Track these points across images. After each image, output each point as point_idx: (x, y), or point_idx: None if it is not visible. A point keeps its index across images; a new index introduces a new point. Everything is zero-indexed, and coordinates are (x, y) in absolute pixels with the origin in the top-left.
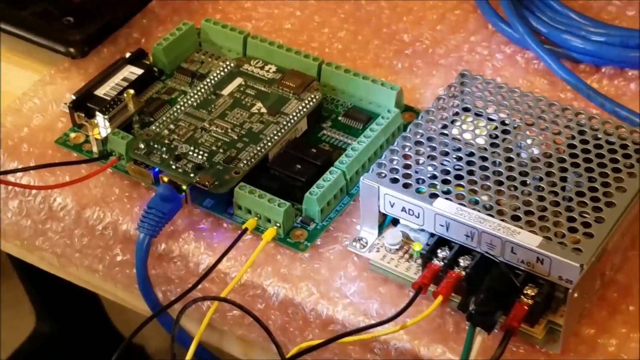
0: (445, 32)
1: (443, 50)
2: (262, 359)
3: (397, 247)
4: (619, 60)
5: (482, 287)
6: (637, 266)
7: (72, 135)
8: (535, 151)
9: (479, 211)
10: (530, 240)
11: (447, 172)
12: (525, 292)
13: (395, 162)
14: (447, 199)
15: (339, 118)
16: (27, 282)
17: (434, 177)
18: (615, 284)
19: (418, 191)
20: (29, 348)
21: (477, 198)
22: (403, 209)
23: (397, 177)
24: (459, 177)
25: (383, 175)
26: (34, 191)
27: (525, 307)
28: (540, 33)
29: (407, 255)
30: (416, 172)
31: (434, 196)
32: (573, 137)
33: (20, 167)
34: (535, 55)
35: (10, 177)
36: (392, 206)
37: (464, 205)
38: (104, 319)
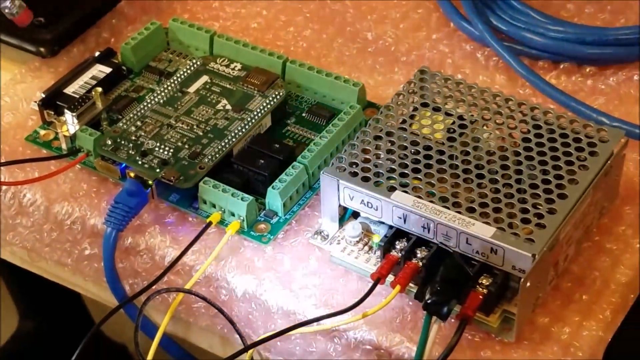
0: (407, 30)
1: (405, 48)
2: (228, 350)
3: (357, 239)
4: (577, 57)
5: (437, 277)
6: (591, 257)
7: (42, 132)
8: (492, 145)
9: (435, 203)
10: (484, 231)
11: (405, 166)
12: (480, 281)
13: (354, 157)
14: (404, 191)
15: (303, 114)
16: (10, 280)
17: (392, 170)
18: (569, 274)
19: (376, 184)
20: (13, 347)
21: (433, 191)
22: (362, 202)
23: (356, 170)
24: (416, 171)
25: (343, 169)
26: (4, 187)
27: (480, 297)
28: (500, 31)
29: (367, 248)
30: (375, 166)
31: (391, 189)
32: (528, 132)
33: None
34: (495, 52)
35: None
36: (351, 199)
37: (421, 198)
38: (86, 316)
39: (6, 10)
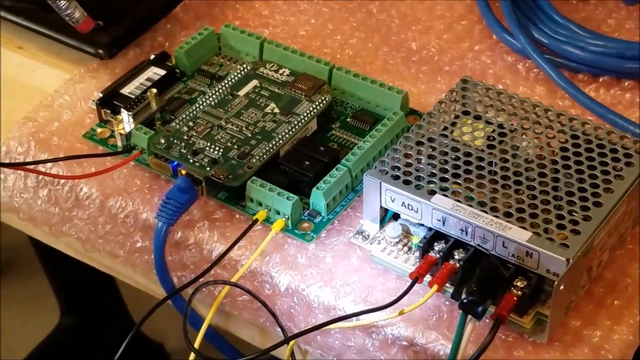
0: (451, 41)
1: (448, 58)
2: (269, 343)
3: (397, 240)
4: (616, 71)
5: (474, 278)
6: (624, 264)
7: (99, 130)
8: (530, 153)
9: (473, 207)
10: (520, 235)
11: (446, 171)
12: (515, 284)
13: (397, 161)
14: (444, 195)
15: (348, 119)
16: (53, 276)
17: (432, 175)
18: (602, 280)
19: (417, 188)
20: (54, 340)
21: (472, 195)
22: (403, 204)
23: (398, 174)
24: (456, 176)
25: (385, 172)
26: (62, 181)
27: (515, 298)
28: (541, 43)
29: (406, 248)
30: (416, 170)
31: (432, 192)
32: (566, 141)
33: (50, 158)
34: (535, 64)
35: (41, 167)
36: (392, 201)
37: (460, 202)
38: (125, 313)
39: (68, 18)
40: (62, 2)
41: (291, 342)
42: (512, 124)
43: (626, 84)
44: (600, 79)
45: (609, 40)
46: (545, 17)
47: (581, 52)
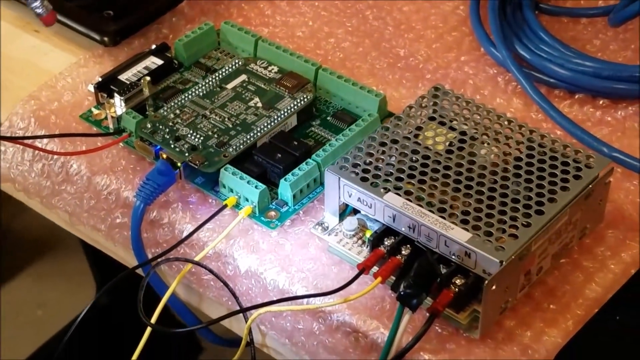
0: (439, 51)
1: (433, 67)
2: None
3: (353, 233)
4: (591, 89)
5: (411, 272)
6: (566, 272)
7: (95, 112)
8: (487, 161)
9: (422, 207)
10: (461, 235)
11: (402, 171)
12: (454, 281)
13: (358, 158)
14: (396, 193)
15: (328, 118)
16: (90, 255)
17: (390, 174)
18: (542, 285)
19: (373, 185)
20: (89, 319)
21: (423, 195)
22: (359, 199)
23: (357, 171)
24: (411, 177)
25: (345, 168)
26: (55, 156)
27: (451, 294)
28: (523, 58)
29: (360, 241)
30: (376, 168)
31: (386, 190)
32: (522, 152)
33: (46, 134)
34: (514, 77)
35: (38, 143)
36: (350, 196)
37: (410, 201)
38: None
39: (35, 10)
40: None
41: (250, 319)
42: (474, 132)
43: (600, 102)
44: (576, 96)
45: (588, 59)
46: (531, 32)
47: (560, 69)
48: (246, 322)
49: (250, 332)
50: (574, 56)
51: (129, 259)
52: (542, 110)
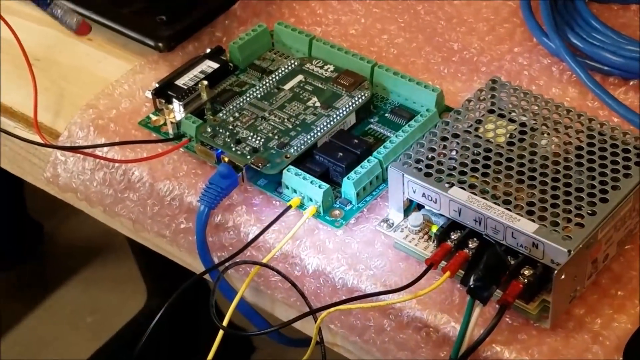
0: (492, 43)
1: (487, 59)
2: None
3: (419, 228)
4: None
5: (481, 265)
6: (631, 258)
7: (153, 118)
8: (548, 151)
9: (487, 200)
10: (528, 226)
11: (465, 165)
12: (522, 272)
13: (421, 154)
14: (461, 187)
15: (386, 114)
16: (141, 261)
17: (453, 168)
18: (608, 272)
19: (437, 180)
20: (140, 321)
21: (487, 188)
22: (423, 195)
23: (420, 167)
24: (474, 170)
25: (409, 164)
26: (116, 164)
27: (520, 286)
28: (576, 47)
29: (426, 237)
30: (438, 163)
31: (450, 185)
32: (582, 141)
33: (106, 142)
34: (568, 67)
35: (98, 152)
36: (414, 192)
37: (475, 194)
38: (203, 296)
39: (67, 25)
40: (58, 10)
41: (319, 319)
42: (534, 123)
43: None
44: (631, 83)
45: None
46: (583, 21)
47: (613, 56)
48: (315, 322)
49: (320, 331)
50: (626, 43)
51: (195, 264)
52: (598, 98)
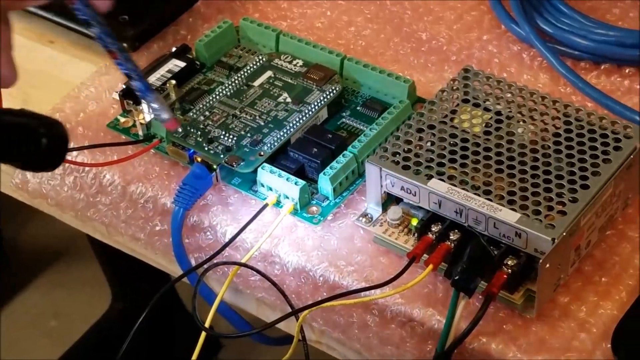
0: (460, 31)
1: (456, 48)
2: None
3: (398, 222)
4: (616, 58)
5: (465, 257)
6: (613, 243)
7: (122, 120)
8: (525, 139)
9: (467, 191)
10: (509, 216)
11: (443, 157)
12: (505, 262)
13: (397, 147)
14: (440, 179)
15: (358, 108)
16: (105, 263)
17: (431, 160)
18: (591, 258)
19: (415, 173)
20: (105, 324)
21: (467, 179)
22: (402, 188)
23: (398, 159)
24: (453, 161)
25: (386, 158)
26: (87, 168)
27: (505, 276)
28: (545, 33)
29: (406, 230)
30: (416, 155)
31: (429, 177)
32: (559, 127)
33: (75, 147)
34: (539, 53)
35: (68, 156)
36: (392, 185)
37: (455, 186)
38: (176, 299)
39: (159, 116)
40: (154, 104)
41: (300, 317)
42: (509, 111)
43: (627, 71)
44: (602, 67)
45: (610, 29)
46: (551, 6)
47: (583, 41)
48: (297, 320)
49: (302, 329)
50: (595, 26)
51: (171, 267)
52: (571, 83)
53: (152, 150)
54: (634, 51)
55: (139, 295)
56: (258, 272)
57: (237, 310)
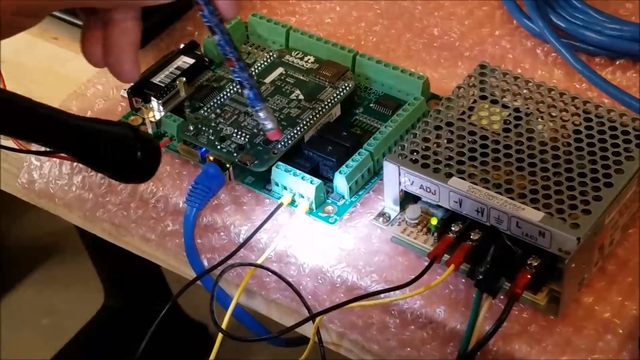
0: (472, 27)
1: (469, 44)
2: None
3: (417, 221)
4: (632, 54)
5: (488, 257)
6: (635, 242)
7: (131, 118)
8: (545, 136)
9: (488, 189)
10: (533, 215)
11: (463, 154)
12: (528, 262)
13: (415, 145)
14: (460, 178)
15: (371, 105)
16: (97, 259)
17: (450, 158)
18: (614, 258)
19: (435, 171)
20: (98, 322)
21: (488, 177)
22: (421, 187)
23: (416, 158)
24: (472, 159)
25: (404, 156)
26: None
27: (528, 276)
28: (559, 28)
29: (425, 229)
30: (434, 153)
31: (449, 175)
32: (580, 124)
33: None
34: (553, 48)
35: None
36: (411, 184)
37: (476, 184)
38: (169, 294)
39: (265, 125)
40: (261, 113)
41: (317, 320)
42: (528, 108)
43: None
44: (617, 62)
45: (625, 24)
46: (564, 1)
47: (598, 36)
48: (310, 314)
49: (318, 331)
50: (610, 21)
51: (182, 268)
52: (586, 79)
53: (162, 149)
54: None
55: (132, 292)
56: (274, 273)
57: (249, 312)
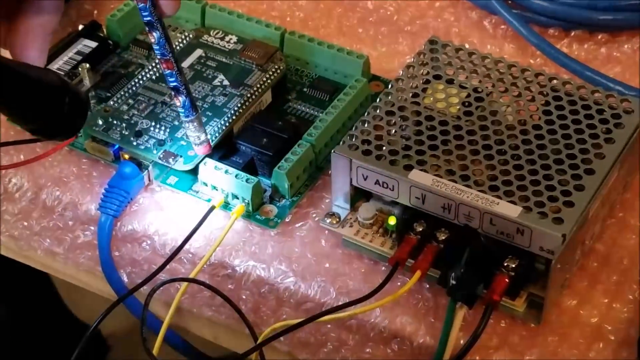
0: None
1: (408, 17)
2: (233, 342)
3: (372, 221)
4: (588, 23)
5: (462, 261)
6: (614, 234)
7: None
8: (510, 119)
9: (455, 182)
10: (509, 210)
11: (422, 143)
12: (505, 264)
13: (366, 134)
14: (422, 170)
15: (304, 89)
16: None
17: (407, 148)
18: (594, 253)
19: (392, 163)
20: None
21: (453, 169)
22: (377, 182)
23: (369, 148)
24: (433, 148)
25: (355, 147)
26: None
27: (506, 280)
28: None
29: (381, 230)
30: (389, 143)
31: (408, 168)
32: (548, 103)
33: None
34: (502, 20)
35: None
36: (365, 179)
37: (440, 177)
38: (58, 302)
39: (194, 142)
40: (195, 123)
41: (259, 340)
42: (487, 87)
43: (599, 37)
44: (572, 33)
45: None
46: None
47: (550, 5)
48: (255, 342)
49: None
50: None
51: (96, 284)
52: (543, 53)
53: (66, 148)
54: (608, 14)
55: (21, 297)
56: (210, 288)
57: (182, 332)
